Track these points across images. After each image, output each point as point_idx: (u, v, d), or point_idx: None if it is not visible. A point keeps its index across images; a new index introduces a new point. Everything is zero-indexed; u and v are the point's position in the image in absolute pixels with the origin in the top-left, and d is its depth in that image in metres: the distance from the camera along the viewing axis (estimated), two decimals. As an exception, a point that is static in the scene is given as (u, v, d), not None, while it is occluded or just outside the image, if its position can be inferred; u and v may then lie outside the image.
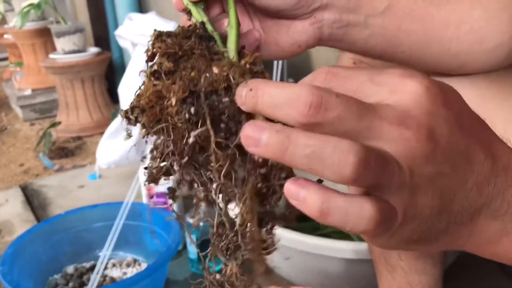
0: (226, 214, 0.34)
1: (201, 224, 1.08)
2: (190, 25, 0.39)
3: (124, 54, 2.45)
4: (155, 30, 0.37)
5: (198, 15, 0.40)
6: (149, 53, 0.37)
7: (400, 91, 0.28)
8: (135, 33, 1.57)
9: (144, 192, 1.25)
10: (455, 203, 0.30)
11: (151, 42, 0.37)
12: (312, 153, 0.26)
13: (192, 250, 1.10)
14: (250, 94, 0.29)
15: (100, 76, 2.37)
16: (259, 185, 0.32)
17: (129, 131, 0.38)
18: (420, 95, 0.28)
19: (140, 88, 0.36)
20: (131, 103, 0.37)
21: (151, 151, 0.37)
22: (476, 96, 0.52)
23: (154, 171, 0.37)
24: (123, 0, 2.21)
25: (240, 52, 0.37)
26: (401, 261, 0.70)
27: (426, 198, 0.29)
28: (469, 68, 0.52)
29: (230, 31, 0.39)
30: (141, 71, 0.36)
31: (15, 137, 2.41)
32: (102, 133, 1.59)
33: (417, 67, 0.53)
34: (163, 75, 0.35)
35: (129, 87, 1.55)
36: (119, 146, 1.52)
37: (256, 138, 0.27)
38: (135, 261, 1.16)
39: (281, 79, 1.36)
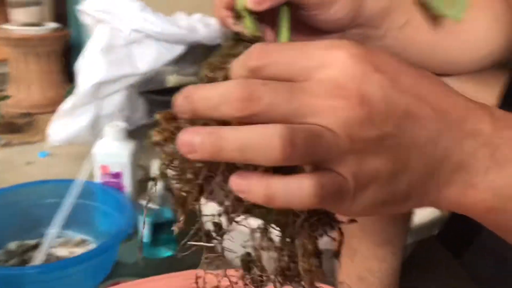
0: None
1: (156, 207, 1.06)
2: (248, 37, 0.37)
3: (83, 33, 2.37)
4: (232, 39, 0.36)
5: (252, 27, 0.37)
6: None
7: (328, 64, 0.29)
8: (99, 10, 1.52)
9: (98, 171, 1.21)
10: (412, 161, 0.30)
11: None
12: (242, 145, 0.27)
13: (145, 234, 1.07)
14: (186, 101, 0.29)
15: (56, 53, 2.28)
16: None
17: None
18: (348, 64, 0.29)
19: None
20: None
21: (182, 171, 0.33)
22: (456, 88, 0.54)
23: (184, 194, 0.33)
24: (87, -23, 2.15)
25: None
26: (361, 245, 0.71)
27: (378, 161, 0.29)
28: (461, 71, 0.54)
29: None
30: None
31: (-41, 108, 2.29)
32: (53, 112, 1.53)
33: None
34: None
35: (87, 65, 1.51)
36: (73, 124, 1.48)
37: (190, 143, 0.28)
38: (83, 241, 1.12)
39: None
